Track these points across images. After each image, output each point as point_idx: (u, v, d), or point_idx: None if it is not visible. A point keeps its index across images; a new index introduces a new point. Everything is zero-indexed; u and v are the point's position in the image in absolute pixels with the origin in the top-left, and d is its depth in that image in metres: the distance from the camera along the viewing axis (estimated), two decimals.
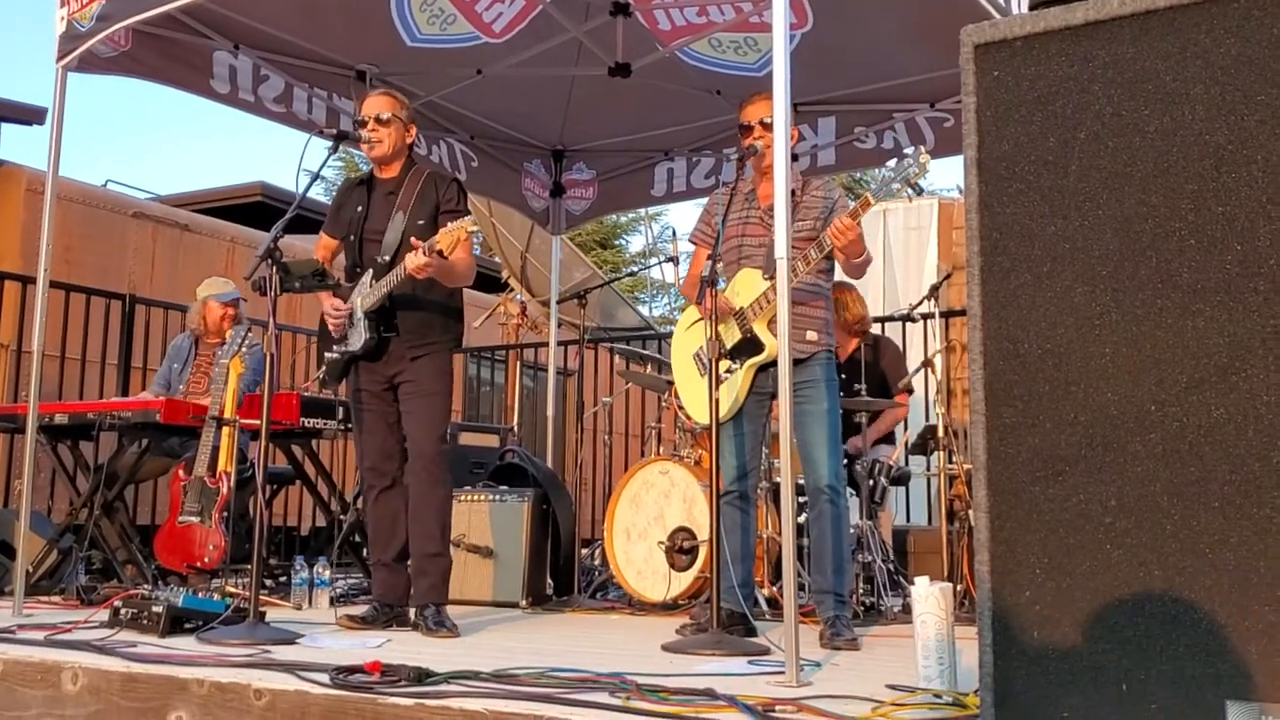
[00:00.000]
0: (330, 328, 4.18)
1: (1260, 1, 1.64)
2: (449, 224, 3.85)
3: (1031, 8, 1.87)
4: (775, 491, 4.86)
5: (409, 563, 4.15)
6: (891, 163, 3.68)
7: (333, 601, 4.81)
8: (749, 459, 4.07)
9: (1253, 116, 1.62)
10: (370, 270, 4.10)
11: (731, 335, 3.98)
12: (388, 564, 4.17)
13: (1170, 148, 1.68)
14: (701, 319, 3.96)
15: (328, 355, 4.21)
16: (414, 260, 3.83)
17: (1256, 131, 1.62)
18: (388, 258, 4.07)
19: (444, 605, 4.02)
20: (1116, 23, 1.75)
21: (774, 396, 4.00)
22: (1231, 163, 1.63)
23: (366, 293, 4.08)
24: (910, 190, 3.63)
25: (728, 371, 3.95)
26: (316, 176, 4.34)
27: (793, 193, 3.98)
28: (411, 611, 4.14)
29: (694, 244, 4.30)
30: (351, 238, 4.21)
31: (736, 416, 4.02)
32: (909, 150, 3.61)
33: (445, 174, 4.41)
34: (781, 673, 2.87)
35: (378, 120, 4.15)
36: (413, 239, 3.88)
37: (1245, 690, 1.54)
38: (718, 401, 3.64)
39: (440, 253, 3.80)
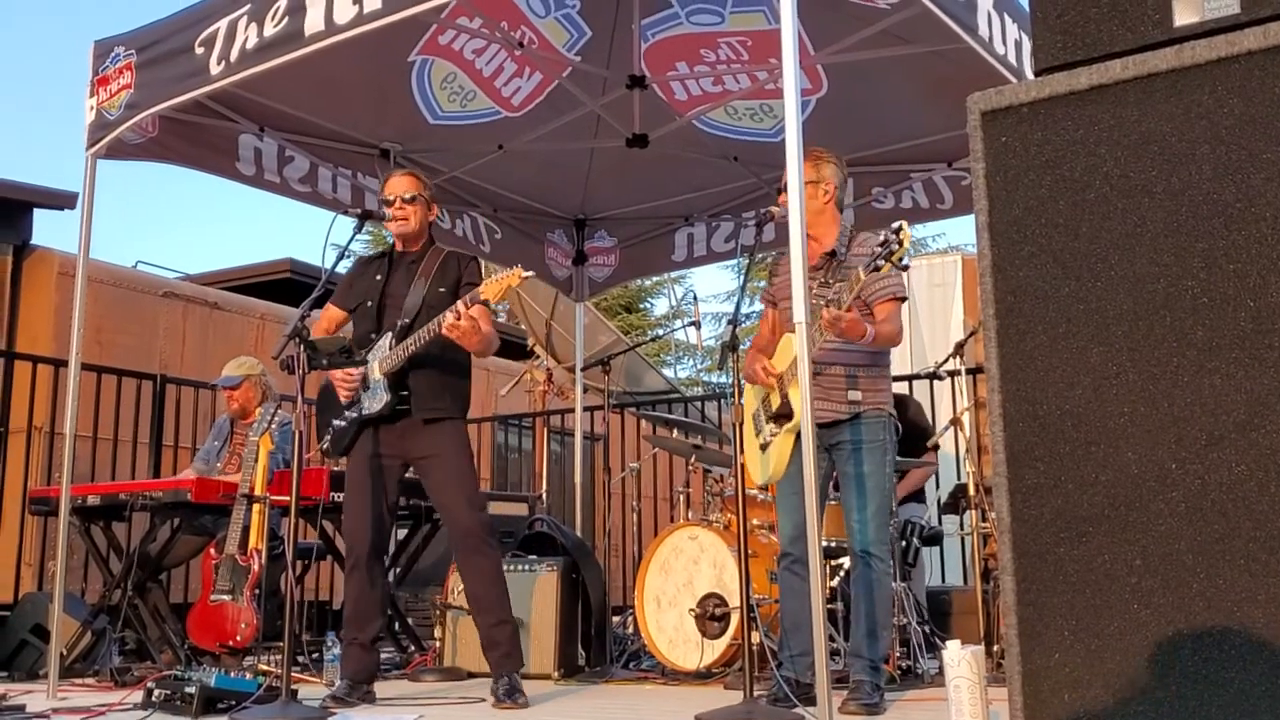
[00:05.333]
0: (342, 397, 4.20)
1: (1261, 62, 1.66)
2: (495, 275, 3.91)
3: (1036, 73, 1.90)
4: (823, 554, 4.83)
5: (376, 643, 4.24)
6: (913, 232, 3.69)
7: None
8: (802, 520, 3.96)
9: (1259, 174, 1.63)
10: (389, 333, 4.14)
11: (776, 400, 3.96)
12: (364, 644, 4.15)
13: (1179, 207, 1.69)
14: (758, 383, 3.97)
15: (335, 423, 4.20)
16: (461, 326, 3.84)
17: (1264, 189, 1.63)
18: (408, 320, 4.12)
19: (517, 674, 4.05)
20: (1120, 86, 1.77)
21: (828, 450, 3.95)
22: (1240, 220, 1.64)
23: (385, 355, 4.11)
24: (895, 267, 3.61)
25: (772, 435, 3.94)
26: (344, 252, 4.41)
27: (832, 253, 3.99)
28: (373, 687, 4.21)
29: (763, 304, 4.31)
30: (369, 304, 4.26)
31: (787, 478, 3.93)
32: (894, 225, 3.59)
33: (465, 253, 4.48)
34: None
35: (404, 200, 4.23)
36: (457, 305, 3.92)
37: None
38: (743, 466, 3.64)
39: (486, 302, 3.85)
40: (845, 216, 6.38)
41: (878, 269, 3.60)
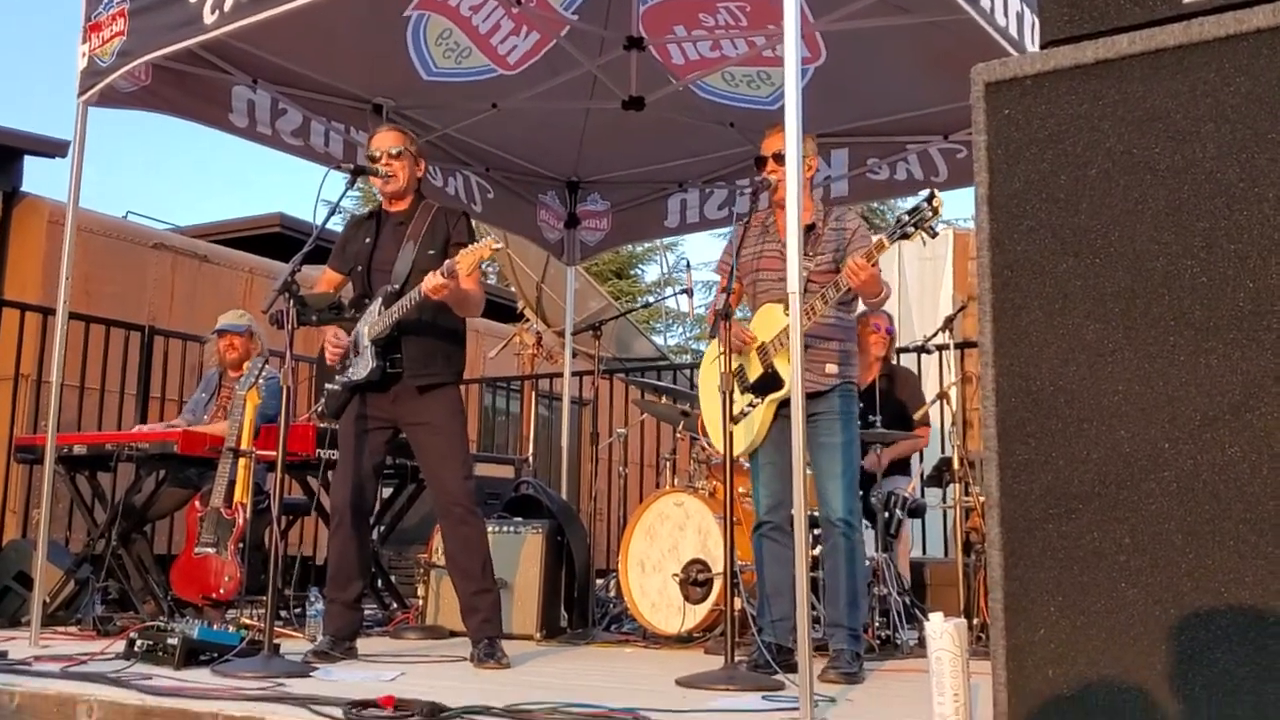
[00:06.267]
0: (328, 359, 4.19)
1: (1269, 40, 1.64)
2: (470, 245, 3.88)
3: (1042, 46, 1.89)
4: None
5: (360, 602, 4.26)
6: (906, 204, 3.70)
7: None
8: (781, 488, 4.02)
9: (1263, 154, 1.63)
10: (379, 298, 4.11)
11: (754, 370, 3.97)
12: (347, 603, 4.17)
13: (1181, 186, 1.68)
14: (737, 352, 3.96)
15: (328, 387, 4.20)
16: (432, 280, 3.83)
17: (1267, 169, 1.62)
18: (397, 286, 4.09)
19: (497, 638, 4.06)
20: (1126, 61, 1.76)
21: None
22: (1243, 200, 1.63)
23: (374, 320, 4.08)
24: (925, 235, 3.62)
25: (750, 405, 3.94)
26: (335, 208, 4.37)
27: (812, 226, 3.99)
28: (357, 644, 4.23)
29: (719, 274, 4.30)
30: (360, 268, 4.23)
31: (764, 447, 3.98)
32: (922, 194, 3.61)
33: (455, 208, 4.45)
34: (796, 709, 2.86)
35: (391, 155, 4.19)
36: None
37: None
38: (733, 434, 3.64)
39: (456, 273, 3.82)
40: (838, 187, 6.41)
41: (906, 236, 3.63)
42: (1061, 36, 1.86)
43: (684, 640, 4.83)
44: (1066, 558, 1.71)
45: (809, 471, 4.30)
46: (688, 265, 7.02)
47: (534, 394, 8.62)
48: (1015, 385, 1.80)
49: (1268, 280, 1.59)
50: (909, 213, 3.63)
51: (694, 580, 4.88)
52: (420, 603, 5.35)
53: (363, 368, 4.08)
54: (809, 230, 3.97)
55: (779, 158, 3.87)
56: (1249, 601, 1.55)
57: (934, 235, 3.66)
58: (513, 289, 9.10)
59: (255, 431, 5.10)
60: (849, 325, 4.13)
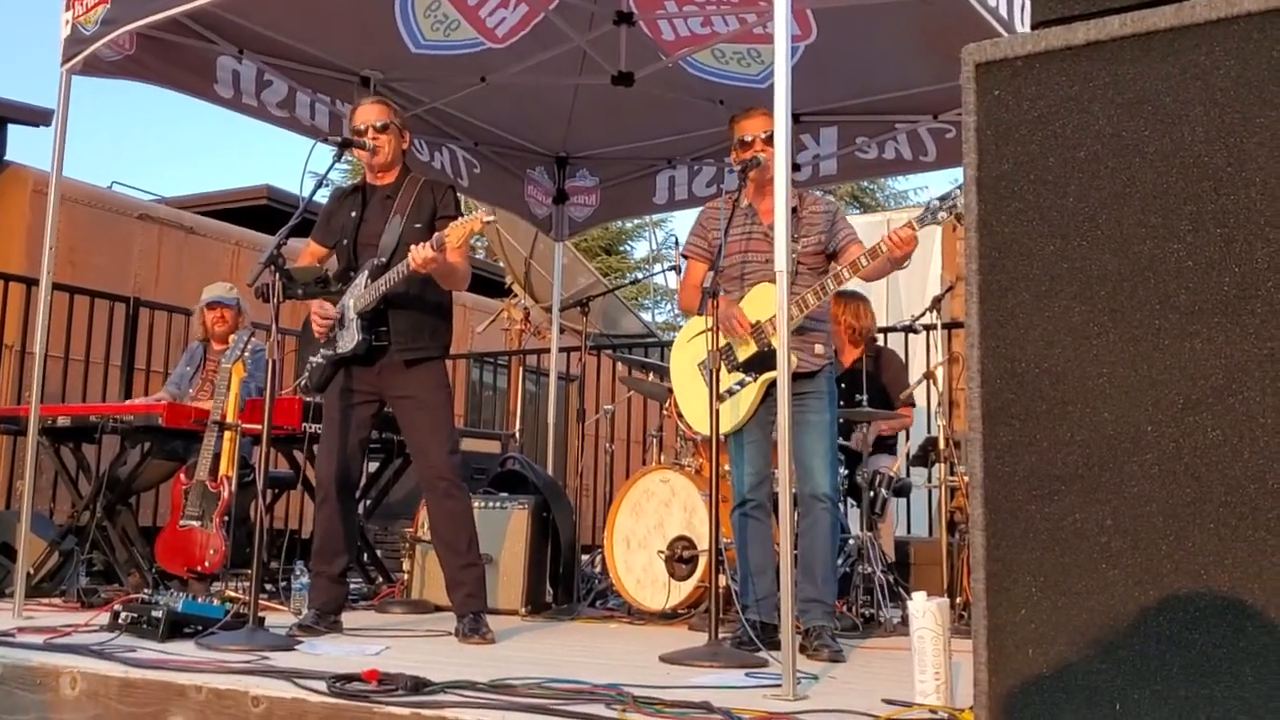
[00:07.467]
0: (315, 332, 4.17)
1: (1260, 24, 1.64)
2: (460, 218, 3.87)
3: (1033, 27, 1.88)
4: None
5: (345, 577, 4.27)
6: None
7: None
8: (763, 466, 4.05)
9: (1252, 139, 1.63)
10: (365, 271, 4.09)
11: (745, 349, 3.97)
12: (332, 577, 4.18)
13: (1169, 169, 1.68)
14: (706, 330, 3.96)
15: (312, 360, 4.18)
16: (421, 253, 3.83)
17: (1255, 153, 1.62)
18: (384, 259, 4.07)
19: (482, 613, 4.07)
20: (1117, 43, 1.75)
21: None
22: (1230, 185, 1.63)
23: (360, 293, 4.07)
24: (955, 221, 3.69)
25: (739, 384, 3.95)
26: (322, 181, 4.34)
27: (794, 209, 4.00)
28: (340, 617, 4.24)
29: (686, 257, 4.30)
30: (345, 242, 4.21)
31: (749, 426, 4.00)
32: (959, 183, 3.69)
33: (441, 181, 4.43)
34: (779, 686, 2.88)
35: (376, 129, 4.17)
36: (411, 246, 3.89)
37: (1239, 712, 1.54)
38: (718, 413, 3.64)
39: (445, 246, 3.81)
40: (826, 166, 6.41)
41: (937, 221, 3.73)
42: (1053, 17, 1.85)
43: (668, 617, 4.85)
44: (1049, 539, 1.72)
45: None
46: (676, 242, 7.03)
47: (521, 369, 8.62)
48: (1001, 367, 1.80)
49: (1253, 265, 1.59)
50: (941, 199, 3.68)
51: (679, 557, 4.89)
52: (405, 577, 5.36)
53: (348, 341, 4.07)
54: (791, 213, 3.98)
55: (767, 139, 3.90)
56: (1228, 584, 1.56)
57: (959, 219, 3.73)
58: (501, 264, 9.08)
59: (241, 405, 5.09)
60: (829, 308, 4.25)
